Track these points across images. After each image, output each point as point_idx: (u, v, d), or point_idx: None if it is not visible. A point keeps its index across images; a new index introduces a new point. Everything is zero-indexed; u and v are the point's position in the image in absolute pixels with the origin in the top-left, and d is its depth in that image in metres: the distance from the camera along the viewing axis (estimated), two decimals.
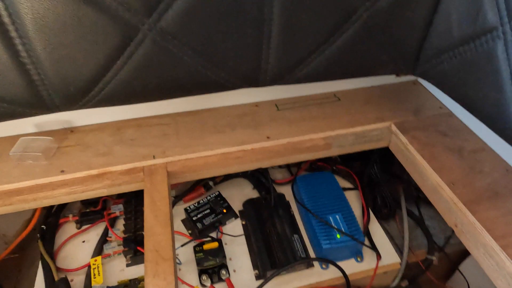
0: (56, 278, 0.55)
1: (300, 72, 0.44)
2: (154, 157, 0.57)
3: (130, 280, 0.55)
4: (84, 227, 0.64)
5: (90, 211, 0.65)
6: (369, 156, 0.75)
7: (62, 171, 0.54)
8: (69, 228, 0.64)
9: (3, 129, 0.59)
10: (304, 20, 0.39)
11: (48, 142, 0.57)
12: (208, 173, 0.60)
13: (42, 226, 0.61)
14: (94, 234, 0.63)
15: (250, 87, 0.46)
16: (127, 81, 0.40)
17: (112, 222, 0.64)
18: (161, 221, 0.49)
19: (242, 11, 0.37)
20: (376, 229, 0.66)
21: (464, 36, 0.39)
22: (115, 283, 0.56)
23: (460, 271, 0.70)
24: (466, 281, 0.68)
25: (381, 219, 0.70)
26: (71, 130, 0.62)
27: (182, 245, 0.59)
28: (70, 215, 0.64)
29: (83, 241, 0.62)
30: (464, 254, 0.71)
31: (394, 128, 0.64)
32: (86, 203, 0.66)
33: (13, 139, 0.60)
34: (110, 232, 0.62)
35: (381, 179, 0.72)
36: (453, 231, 0.67)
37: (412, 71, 0.48)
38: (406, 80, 0.76)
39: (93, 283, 0.55)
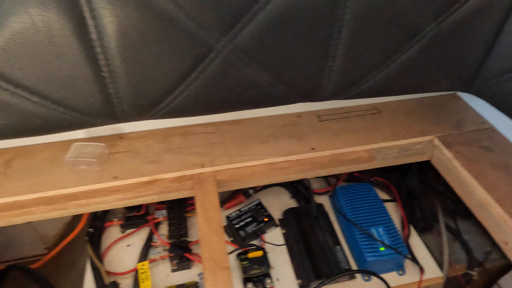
0: (106, 282, 0.56)
1: (357, 89, 0.45)
2: (203, 166, 0.58)
3: (177, 286, 0.56)
4: (128, 231, 0.65)
5: (134, 215, 0.66)
6: (406, 168, 0.75)
7: (115, 177, 0.56)
8: (113, 232, 0.66)
9: (58, 136, 0.61)
10: (370, 39, 0.40)
11: (100, 148, 0.59)
12: (254, 182, 0.61)
13: (90, 230, 0.63)
14: (138, 238, 0.65)
15: (307, 101, 0.47)
16: (195, 95, 0.41)
17: (156, 227, 0.66)
18: (215, 230, 0.50)
19: (313, 29, 0.38)
20: (416, 242, 0.66)
21: None
22: None
23: (499, 286, 0.69)
24: None
25: (418, 232, 0.70)
26: (120, 137, 0.64)
27: (229, 253, 0.60)
28: (115, 219, 0.65)
29: (128, 245, 0.64)
30: (503, 269, 0.70)
31: (437, 142, 0.64)
32: (130, 207, 0.67)
33: (65, 144, 0.62)
34: (155, 237, 0.63)
35: (419, 192, 0.73)
36: (493, 246, 0.67)
37: (467, 89, 0.48)
38: (446, 94, 0.76)
39: (141, 287, 0.56)
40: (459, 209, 0.74)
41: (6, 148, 0.60)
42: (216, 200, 0.54)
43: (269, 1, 0.36)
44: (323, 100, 0.46)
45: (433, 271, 0.62)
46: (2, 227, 0.74)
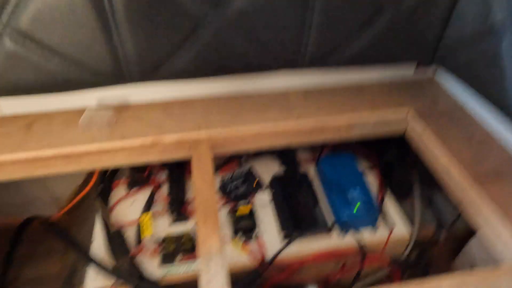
0: (113, 230, 0.65)
1: (333, 57, 0.52)
2: (199, 130, 0.66)
3: (175, 235, 0.64)
4: (133, 189, 0.74)
5: (138, 176, 0.74)
6: (388, 142, 0.82)
7: (122, 138, 0.64)
8: (120, 190, 0.74)
9: (72, 103, 0.69)
10: (341, 12, 0.47)
11: (109, 113, 0.67)
12: (245, 146, 0.68)
13: (99, 187, 0.71)
14: (141, 196, 0.73)
15: (289, 68, 0.54)
16: (190, 61, 0.48)
17: (158, 187, 0.74)
18: (207, 183, 0.58)
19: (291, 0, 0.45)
20: (390, 206, 0.74)
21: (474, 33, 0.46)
22: (162, 236, 0.65)
23: (467, 248, 0.76)
24: (472, 257, 0.74)
25: (396, 198, 0.77)
26: (127, 106, 0.71)
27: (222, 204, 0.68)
28: (122, 179, 0.74)
29: (133, 201, 0.72)
30: (471, 233, 0.77)
31: (411, 114, 0.71)
32: (135, 170, 0.75)
33: (78, 111, 0.70)
34: (156, 194, 0.71)
35: (397, 164, 0.80)
36: (460, 212, 0.74)
37: (431, 61, 0.55)
38: (425, 77, 0.82)
39: (144, 235, 0.64)
40: (434, 182, 0.81)
41: (27, 113, 0.69)
42: (209, 160, 0.62)
43: None
44: (302, 67, 0.53)
45: (403, 229, 0.70)
46: (19, 188, 0.84)
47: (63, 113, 0.71)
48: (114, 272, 0.58)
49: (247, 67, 0.51)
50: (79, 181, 0.89)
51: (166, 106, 0.73)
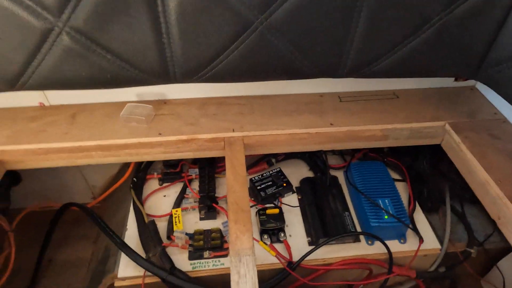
0: (146, 221, 0.67)
1: (373, 68, 0.52)
2: (233, 131, 0.67)
3: (204, 230, 0.66)
4: (165, 184, 0.76)
5: (171, 172, 0.77)
6: (419, 152, 0.80)
7: (160, 134, 0.66)
8: (153, 183, 0.77)
9: (113, 96, 0.72)
10: (387, 22, 0.47)
11: (148, 109, 0.69)
12: (276, 149, 0.69)
13: (134, 179, 0.74)
14: (173, 190, 0.75)
15: (327, 77, 0.54)
16: (232, 64, 0.49)
17: (189, 182, 0.75)
18: (240, 182, 0.59)
19: (336, 10, 0.45)
20: (421, 218, 0.72)
21: None
22: (191, 231, 0.67)
23: (498, 268, 0.74)
24: (503, 276, 0.72)
25: (425, 211, 0.76)
26: (164, 102, 0.74)
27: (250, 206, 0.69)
28: (155, 173, 0.76)
29: (164, 195, 0.74)
30: (503, 252, 0.75)
31: (448, 127, 0.69)
32: (168, 165, 0.78)
33: (119, 104, 0.73)
34: (188, 190, 0.73)
35: (429, 175, 0.78)
36: (494, 229, 0.72)
37: (473, 76, 0.54)
38: (464, 85, 0.80)
39: (174, 228, 0.66)
40: (466, 195, 0.79)
41: (72, 104, 0.72)
42: (242, 159, 0.63)
43: None
44: (341, 77, 0.54)
45: (432, 243, 0.68)
46: (57, 175, 0.88)
47: (104, 105, 0.74)
48: (146, 261, 0.61)
49: (286, 73, 0.51)
50: (113, 171, 0.93)
51: (202, 104, 0.75)
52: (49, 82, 0.48)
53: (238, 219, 0.53)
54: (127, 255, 0.61)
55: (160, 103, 0.73)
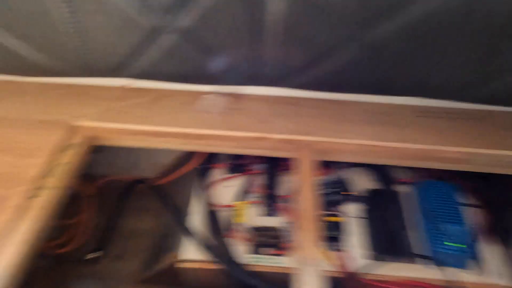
0: (209, 209, 0.71)
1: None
2: (304, 134, 0.67)
3: (265, 227, 0.68)
4: (229, 175, 0.79)
5: (235, 163, 0.79)
6: (494, 177, 0.75)
7: (233, 128, 0.68)
8: (217, 173, 0.80)
9: (190, 85, 0.75)
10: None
11: (223, 102, 0.72)
12: (345, 158, 0.68)
13: (200, 166, 0.78)
14: (237, 182, 0.78)
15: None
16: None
17: (253, 177, 0.78)
18: (309, 188, 0.60)
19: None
20: (490, 248, 0.69)
21: None
22: (252, 226, 0.69)
23: None
24: None
25: (496, 241, 0.71)
26: (238, 96, 0.76)
27: None
28: (220, 163, 0.79)
29: (227, 186, 0.78)
30: None
31: None
32: (233, 157, 0.80)
33: (196, 93, 0.75)
34: (252, 184, 0.75)
35: (504, 202, 0.73)
36: None
37: None
38: None
39: (236, 220, 0.69)
40: None
41: (153, 89, 0.76)
42: (311, 164, 0.63)
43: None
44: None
45: (498, 278, 0.65)
46: (129, 152, 0.94)
47: (182, 93, 0.76)
48: (209, 248, 0.64)
49: (380, 89, 0.50)
50: (178, 152, 0.98)
51: (274, 103, 0.75)
52: (144, 74, 0.51)
53: (306, 227, 0.55)
54: (190, 239, 0.66)
55: (234, 97, 0.75)
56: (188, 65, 0.51)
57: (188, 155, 0.91)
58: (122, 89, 0.77)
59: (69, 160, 0.63)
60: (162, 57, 0.49)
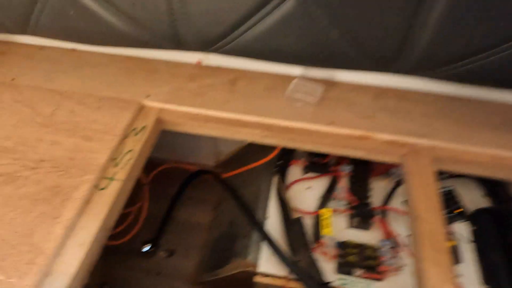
0: (292, 216, 0.60)
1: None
2: (420, 137, 0.54)
3: (358, 244, 0.57)
4: (309, 174, 0.68)
5: (317, 162, 0.68)
6: None
7: (330, 123, 0.56)
8: (295, 170, 0.69)
9: (276, 67, 0.63)
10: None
11: (318, 89, 0.60)
12: (473, 170, 0.54)
13: (279, 162, 0.67)
14: (318, 184, 0.67)
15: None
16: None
17: (335, 180, 0.66)
18: (431, 208, 0.48)
19: None
20: None
21: None
22: (340, 239, 0.58)
23: None
24: None
25: None
26: (332, 83, 0.63)
27: None
28: (302, 160, 0.68)
29: (307, 187, 0.66)
30: None
31: None
32: (314, 153, 0.69)
33: (281, 77, 0.63)
34: (339, 189, 0.64)
35: None
36: None
37: None
38: None
39: (324, 232, 0.58)
40: None
41: (230, 68, 0.66)
42: (432, 177, 0.51)
43: None
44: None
45: None
46: (193, 138, 0.85)
47: (265, 76, 0.65)
48: (295, 266, 0.54)
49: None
50: (244, 142, 0.88)
51: (378, 94, 0.62)
52: (247, 50, 0.40)
53: (434, 261, 0.43)
54: (274, 252, 0.56)
55: (328, 84, 0.62)
56: (310, 41, 0.39)
57: (259, 147, 0.80)
58: (196, 66, 0.67)
59: (138, 146, 0.55)
60: (274, 29, 0.37)
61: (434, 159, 0.53)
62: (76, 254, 0.42)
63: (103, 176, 0.50)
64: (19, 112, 0.57)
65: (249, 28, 0.38)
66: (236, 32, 0.39)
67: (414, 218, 0.48)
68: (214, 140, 0.87)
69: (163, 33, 0.42)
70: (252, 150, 0.81)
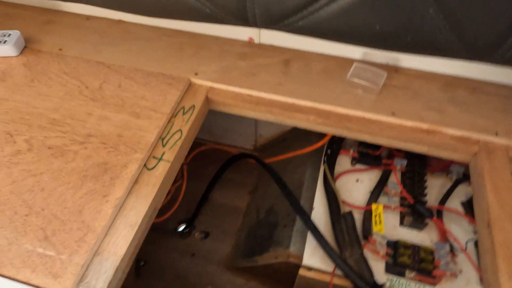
0: (342, 210, 0.57)
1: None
2: (496, 134, 0.49)
3: (412, 245, 0.53)
4: (358, 166, 0.64)
5: (369, 153, 0.64)
6: None
7: (393, 113, 0.52)
8: (344, 161, 0.65)
9: (333, 49, 0.59)
10: None
11: (380, 76, 0.55)
12: None
13: (328, 151, 0.63)
14: (367, 177, 0.63)
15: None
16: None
17: (387, 174, 0.62)
18: (507, 215, 0.43)
19: None
20: None
21: None
22: (391, 238, 0.55)
23: None
24: None
25: None
26: (396, 70, 0.58)
27: None
28: (351, 150, 0.64)
29: (357, 180, 0.63)
30: None
31: None
32: (365, 144, 0.65)
33: (339, 60, 0.59)
34: (392, 184, 0.59)
35: None
36: None
37: None
38: None
39: (374, 229, 0.55)
40: None
41: (284, 48, 0.61)
42: (508, 180, 0.46)
43: None
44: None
45: None
46: (235, 119, 0.82)
47: (322, 57, 0.60)
48: (345, 263, 0.51)
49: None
50: (286, 127, 0.84)
51: (447, 84, 0.56)
52: (320, 28, 0.36)
53: (511, 275, 0.39)
54: (320, 245, 0.53)
55: (390, 70, 0.57)
56: (392, 21, 0.34)
57: (303, 133, 0.77)
58: (247, 44, 0.63)
59: (186, 126, 0.52)
60: (354, 7, 0.33)
61: (509, 160, 0.48)
62: (126, 235, 0.41)
63: (152, 156, 0.48)
64: (66, 84, 0.56)
65: (329, 3, 0.33)
66: (312, 7, 0.35)
67: (485, 225, 0.43)
68: (254, 123, 0.84)
69: (230, 7, 0.38)
70: (295, 136, 0.77)
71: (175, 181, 0.76)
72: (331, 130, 0.53)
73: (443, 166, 0.62)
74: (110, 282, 0.38)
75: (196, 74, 0.57)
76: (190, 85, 0.56)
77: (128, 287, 0.72)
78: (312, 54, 0.60)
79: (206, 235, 0.78)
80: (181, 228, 0.77)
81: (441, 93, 0.54)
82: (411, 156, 0.62)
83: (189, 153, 0.81)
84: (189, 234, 0.78)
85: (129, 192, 0.45)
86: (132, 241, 0.42)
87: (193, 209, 0.79)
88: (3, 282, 0.38)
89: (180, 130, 0.51)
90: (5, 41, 0.59)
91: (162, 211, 0.76)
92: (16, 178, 0.45)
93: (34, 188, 0.44)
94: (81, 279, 0.38)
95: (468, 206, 0.58)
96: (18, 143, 0.49)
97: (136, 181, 0.46)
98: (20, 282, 0.38)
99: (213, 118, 0.87)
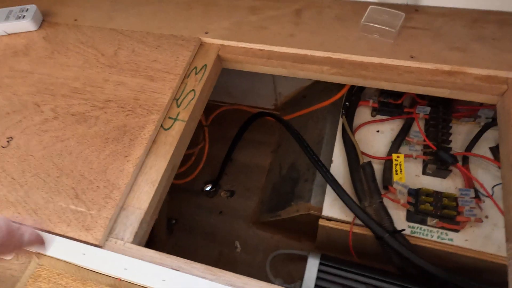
0: (361, 161, 0.56)
1: None
2: None
3: (434, 192, 0.52)
4: (379, 117, 0.62)
5: (390, 102, 0.61)
6: None
7: (412, 57, 0.49)
8: (364, 112, 0.63)
9: None
10: None
11: (398, 18, 0.51)
12: None
13: (346, 103, 0.62)
14: (388, 127, 0.61)
15: None
16: None
17: (410, 122, 0.60)
18: None
19: None
20: None
21: None
22: (413, 186, 0.54)
23: None
24: None
25: None
26: (416, 9, 0.54)
27: None
28: (370, 100, 0.62)
29: (377, 131, 0.61)
30: None
31: None
32: (386, 92, 0.62)
33: (353, 4, 0.56)
34: (415, 133, 0.57)
35: None
36: None
37: None
38: None
39: (395, 178, 0.54)
40: None
41: None
42: None
43: None
44: None
45: None
46: (253, 79, 0.81)
47: (335, 3, 0.57)
48: (363, 212, 0.51)
49: None
50: (305, 83, 0.82)
51: (473, 20, 0.51)
52: None
53: None
54: (339, 196, 0.53)
55: (409, 10, 0.53)
56: None
57: (321, 88, 0.75)
58: None
59: (199, 86, 0.53)
60: None
61: None
62: (148, 191, 0.44)
63: (168, 116, 0.50)
64: (84, 53, 0.58)
65: None
66: None
67: (510, 166, 0.41)
68: (273, 81, 0.83)
69: None
70: (314, 92, 0.76)
71: (197, 143, 0.79)
72: (345, 79, 0.52)
73: (471, 111, 0.58)
74: (136, 233, 0.42)
75: (207, 32, 0.56)
76: (201, 44, 0.56)
77: (162, 242, 0.78)
78: (324, 1, 0.57)
79: (232, 193, 0.81)
80: (208, 188, 0.80)
81: (466, 30, 0.49)
82: (435, 103, 0.59)
83: (209, 115, 0.83)
84: (215, 193, 0.81)
85: (148, 152, 0.47)
86: (154, 196, 0.44)
87: (217, 170, 0.82)
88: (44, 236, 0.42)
89: (194, 90, 0.52)
90: (23, 16, 0.61)
91: (187, 172, 0.79)
92: (47, 144, 0.49)
93: (63, 152, 0.48)
94: (110, 231, 0.41)
95: (497, 151, 0.55)
96: (46, 112, 0.52)
97: (154, 141, 0.48)
98: (57, 235, 0.42)
99: (231, 80, 0.88)
